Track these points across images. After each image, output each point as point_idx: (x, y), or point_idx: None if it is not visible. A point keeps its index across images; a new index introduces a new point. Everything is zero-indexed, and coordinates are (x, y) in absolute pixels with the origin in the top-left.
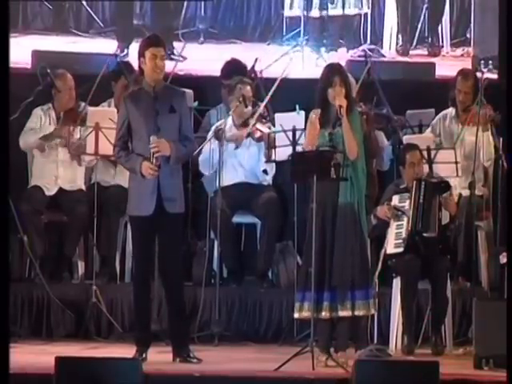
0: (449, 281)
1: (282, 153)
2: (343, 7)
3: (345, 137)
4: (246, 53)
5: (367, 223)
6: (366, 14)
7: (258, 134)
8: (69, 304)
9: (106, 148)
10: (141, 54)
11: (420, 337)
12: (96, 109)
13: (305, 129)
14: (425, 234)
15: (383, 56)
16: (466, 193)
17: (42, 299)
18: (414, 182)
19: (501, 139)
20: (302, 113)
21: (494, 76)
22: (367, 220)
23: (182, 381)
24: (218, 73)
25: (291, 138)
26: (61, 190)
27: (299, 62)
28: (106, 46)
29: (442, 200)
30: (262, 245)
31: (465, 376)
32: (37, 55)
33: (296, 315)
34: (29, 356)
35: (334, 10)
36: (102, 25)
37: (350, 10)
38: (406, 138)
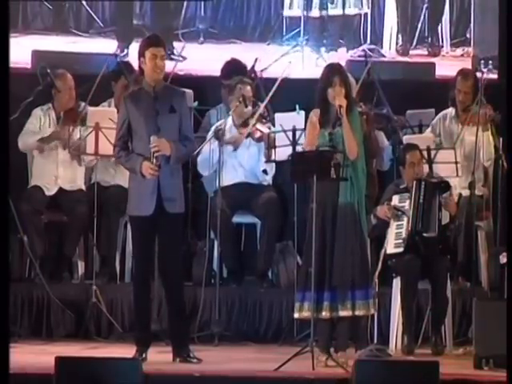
0: (449, 281)
1: (282, 153)
2: (343, 7)
3: (345, 137)
4: (245, 53)
5: (367, 223)
6: (365, 14)
7: (257, 134)
8: (69, 304)
9: (106, 148)
10: (141, 54)
11: (420, 337)
12: (96, 109)
13: (305, 129)
14: (425, 234)
15: (383, 56)
16: (465, 193)
17: (42, 299)
18: (414, 182)
19: (501, 139)
20: (302, 113)
21: (494, 76)
22: (367, 220)
23: (182, 381)
24: (217, 73)
25: (291, 137)
26: (61, 189)
27: (299, 62)
28: (105, 45)
29: (441, 200)
30: (262, 245)
31: (465, 376)
32: (37, 55)
33: (296, 315)
34: (29, 356)
35: (334, 10)
36: (101, 25)
37: (350, 10)
38: (406, 138)
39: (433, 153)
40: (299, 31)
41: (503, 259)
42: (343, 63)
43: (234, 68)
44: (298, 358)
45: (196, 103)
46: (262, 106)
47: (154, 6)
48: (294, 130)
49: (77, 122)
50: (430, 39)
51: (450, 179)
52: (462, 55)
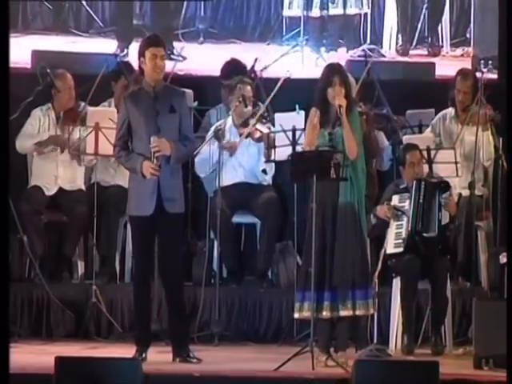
0: (449, 281)
1: (282, 153)
2: (344, 7)
3: (344, 137)
4: (245, 53)
5: (367, 223)
6: (365, 14)
7: (257, 135)
8: (69, 304)
9: (106, 148)
10: (141, 54)
11: (420, 337)
12: (96, 109)
13: (304, 129)
14: (425, 234)
15: (383, 56)
16: (465, 193)
17: (42, 299)
18: (414, 182)
19: (501, 139)
20: (302, 113)
21: (494, 76)
22: (367, 220)
23: (182, 381)
24: (217, 73)
25: (291, 137)
26: (61, 189)
27: (299, 62)
28: (105, 45)
29: (441, 200)
30: (262, 245)
31: (465, 376)
32: (37, 55)
33: (296, 315)
34: (29, 356)
35: (335, 10)
36: (101, 25)
37: (351, 10)
38: (406, 138)
39: (433, 153)
40: (299, 31)
41: (503, 259)
42: (343, 63)
43: (233, 68)
44: (298, 358)
45: (196, 103)
46: (263, 106)
47: (154, 5)
48: (293, 130)
49: (76, 121)
50: (429, 39)
51: (449, 179)
52: (462, 55)
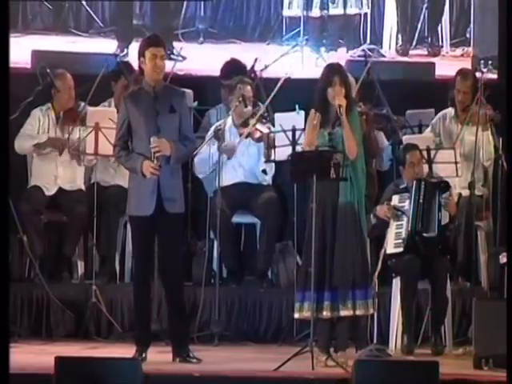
0: (449, 281)
1: (282, 153)
2: (344, 6)
3: (344, 136)
4: (245, 53)
5: (367, 223)
6: (365, 14)
7: (257, 135)
8: (69, 304)
9: (106, 148)
10: (141, 54)
11: (420, 337)
12: (96, 109)
13: (304, 129)
14: (425, 234)
15: (383, 56)
16: (465, 193)
17: (42, 299)
18: (414, 182)
19: (501, 139)
20: (302, 113)
21: (494, 76)
22: (367, 220)
23: (182, 381)
24: (217, 73)
25: (291, 138)
26: (60, 189)
27: (299, 62)
28: (105, 45)
29: (441, 200)
30: (262, 245)
31: (464, 376)
32: (37, 55)
33: (296, 315)
34: (29, 356)
35: (336, 10)
36: (101, 25)
37: (351, 10)
38: (406, 138)
39: (433, 153)
40: (299, 31)
41: (503, 259)
42: (343, 63)
43: (233, 68)
44: (298, 358)
45: (196, 103)
46: (263, 106)
47: (154, 5)
48: (293, 130)
49: (76, 121)
50: (429, 39)
51: (449, 179)
52: (462, 55)
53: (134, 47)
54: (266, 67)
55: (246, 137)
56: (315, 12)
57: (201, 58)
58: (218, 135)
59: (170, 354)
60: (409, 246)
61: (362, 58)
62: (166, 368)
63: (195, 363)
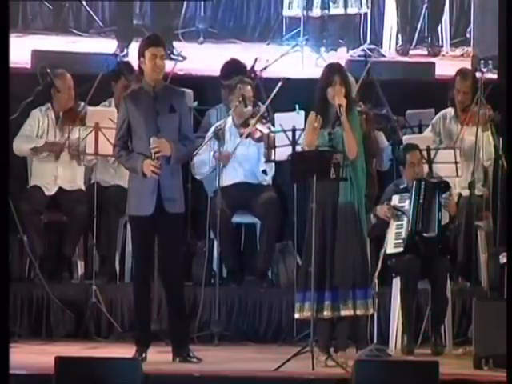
0: (449, 281)
1: (282, 153)
2: (345, 6)
3: (344, 136)
4: (245, 53)
5: (367, 223)
6: (365, 14)
7: (257, 135)
8: (69, 304)
9: (106, 148)
10: (141, 54)
11: (420, 337)
12: (96, 109)
13: (304, 129)
14: (425, 234)
15: (383, 56)
16: (465, 193)
17: (42, 299)
18: (414, 182)
19: (501, 139)
20: (302, 113)
21: (494, 76)
22: (367, 219)
23: (182, 381)
24: (217, 73)
25: (291, 138)
26: (60, 189)
27: (299, 62)
28: (105, 45)
29: (441, 200)
30: (262, 245)
31: (464, 376)
32: (37, 55)
33: (297, 315)
34: (29, 356)
35: (336, 9)
36: (101, 25)
37: (352, 9)
38: (406, 138)
39: (433, 153)
40: (299, 31)
41: (503, 259)
42: (343, 63)
43: (233, 68)
44: (298, 358)
45: (196, 103)
46: (263, 106)
47: (154, 5)
48: (293, 130)
49: (76, 121)
50: (429, 39)
51: (449, 179)
52: (462, 55)
53: (134, 47)
54: (266, 68)
55: (246, 137)
56: (316, 12)
57: (201, 58)
58: (218, 135)
59: (170, 354)
60: (409, 246)
61: (362, 58)
62: (166, 368)
63: (195, 363)
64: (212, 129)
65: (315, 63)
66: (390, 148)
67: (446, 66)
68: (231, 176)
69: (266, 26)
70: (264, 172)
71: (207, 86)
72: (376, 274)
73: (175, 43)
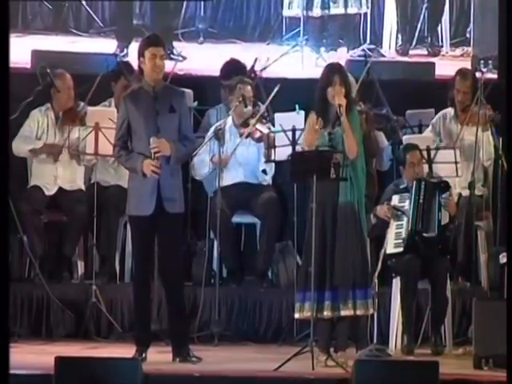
0: (449, 281)
1: (282, 153)
2: (345, 6)
3: (344, 136)
4: (245, 53)
5: (367, 223)
6: (365, 14)
7: (257, 135)
8: (69, 304)
9: (106, 148)
10: (140, 54)
11: (420, 337)
12: (95, 109)
13: (304, 129)
14: (425, 234)
15: (383, 56)
16: (465, 193)
17: (42, 299)
18: (414, 182)
19: (501, 139)
20: (302, 113)
21: (494, 76)
22: (367, 219)
23: (182, 381)
24: (217, 73)
25: (291, 137)
26: (60, 189)
27: (299, 61)
28: (105, 45)
29: (441, 200)
30: (262, 245)
31: (464, 376)
32: (36, 55)
33: (297, 315)
34: (29, 356)
35: (336, 9)
36: (101, 25)
37: (352, 9)
38: (406, 138)
39: (433, 153)
40: (299, 31)
41: (503, 259)
42: (343, 63)
43: (233, 68)
44: (298, 358)
45: (196, 103)
46: (263, 106)
47: (154, 5)
48: (293, 130)
49: (76, 121)
50: (429, 39)
51: (449, 179)
52: (462, 55)
53: (134, 47)
54: (266, 68)
55: (246, 137)
56: (316, 12)
57: (201, 58)
58: (218, 135)
59: (169, 354)
60: (409, 245)
61: (362, 58)
62: (166, 368)
63: (195, 363)
64: (212, 129)
65: (315, 63)
66: (390, 148)
67: (446, 66)
68: (231, 176)
69: (265, 26)
70: (264, 172)
71: (207, 86)
72: (376, 273)
73: (175, 43)
